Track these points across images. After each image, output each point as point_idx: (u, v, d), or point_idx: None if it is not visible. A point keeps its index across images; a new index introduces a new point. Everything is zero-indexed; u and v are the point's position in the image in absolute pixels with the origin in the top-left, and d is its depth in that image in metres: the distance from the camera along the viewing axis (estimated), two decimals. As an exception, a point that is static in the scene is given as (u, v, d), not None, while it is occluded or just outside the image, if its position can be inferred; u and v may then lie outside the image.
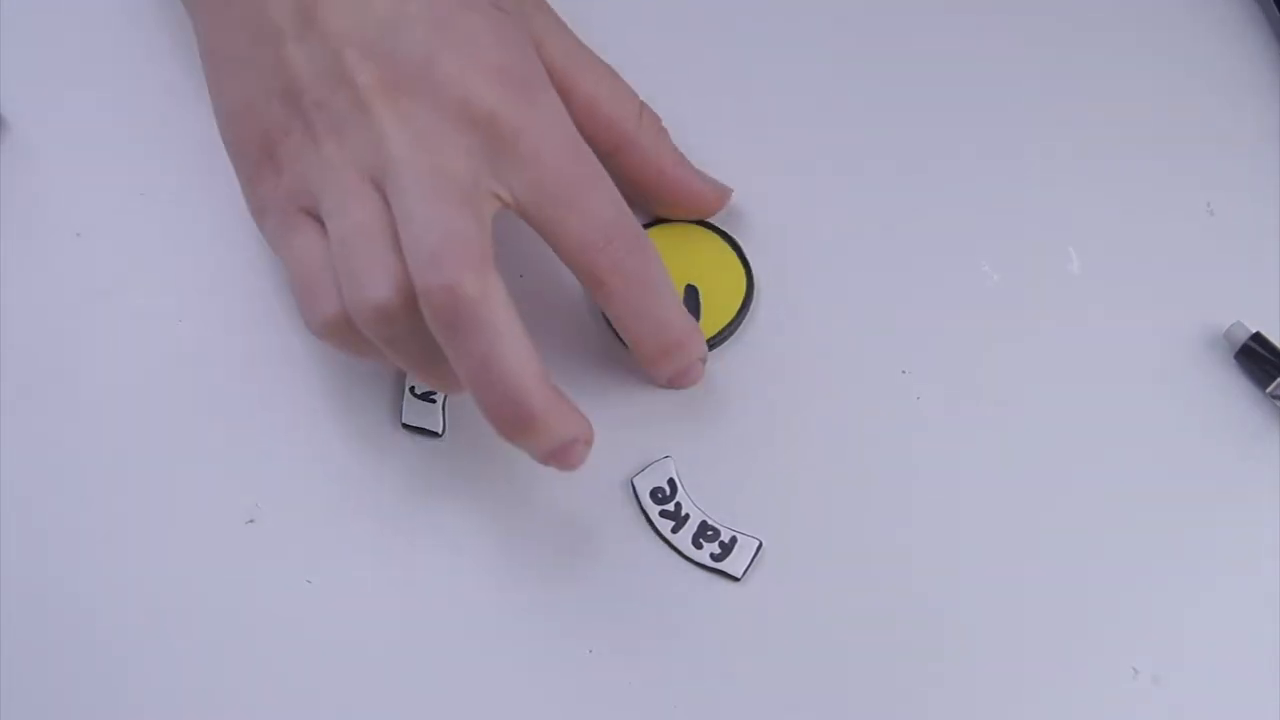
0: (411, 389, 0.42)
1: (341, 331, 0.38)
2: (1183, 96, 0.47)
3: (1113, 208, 0.45)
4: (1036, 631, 0.40)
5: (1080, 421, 0.42)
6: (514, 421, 0.37)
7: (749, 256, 0.44)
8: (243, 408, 0.42)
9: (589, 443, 0.39)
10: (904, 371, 0.43)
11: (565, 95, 0.40)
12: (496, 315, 0.36)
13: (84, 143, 0.46)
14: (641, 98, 0.42)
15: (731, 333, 0.43)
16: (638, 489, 0.41)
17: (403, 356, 0.38)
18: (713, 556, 0.40)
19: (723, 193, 0.44)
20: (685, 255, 0.44)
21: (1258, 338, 0.42)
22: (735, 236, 0.44)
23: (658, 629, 0.40)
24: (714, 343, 0.43)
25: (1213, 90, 0.47)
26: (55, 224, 0.45)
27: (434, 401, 0.42)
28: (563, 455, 0.38)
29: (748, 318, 0.43)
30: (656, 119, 0.43)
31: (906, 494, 0.41)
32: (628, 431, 0.42)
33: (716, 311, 0.43)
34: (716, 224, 0.44)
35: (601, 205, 0.39)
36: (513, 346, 0.36)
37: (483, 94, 0.37)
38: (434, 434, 0.42)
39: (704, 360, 0.42)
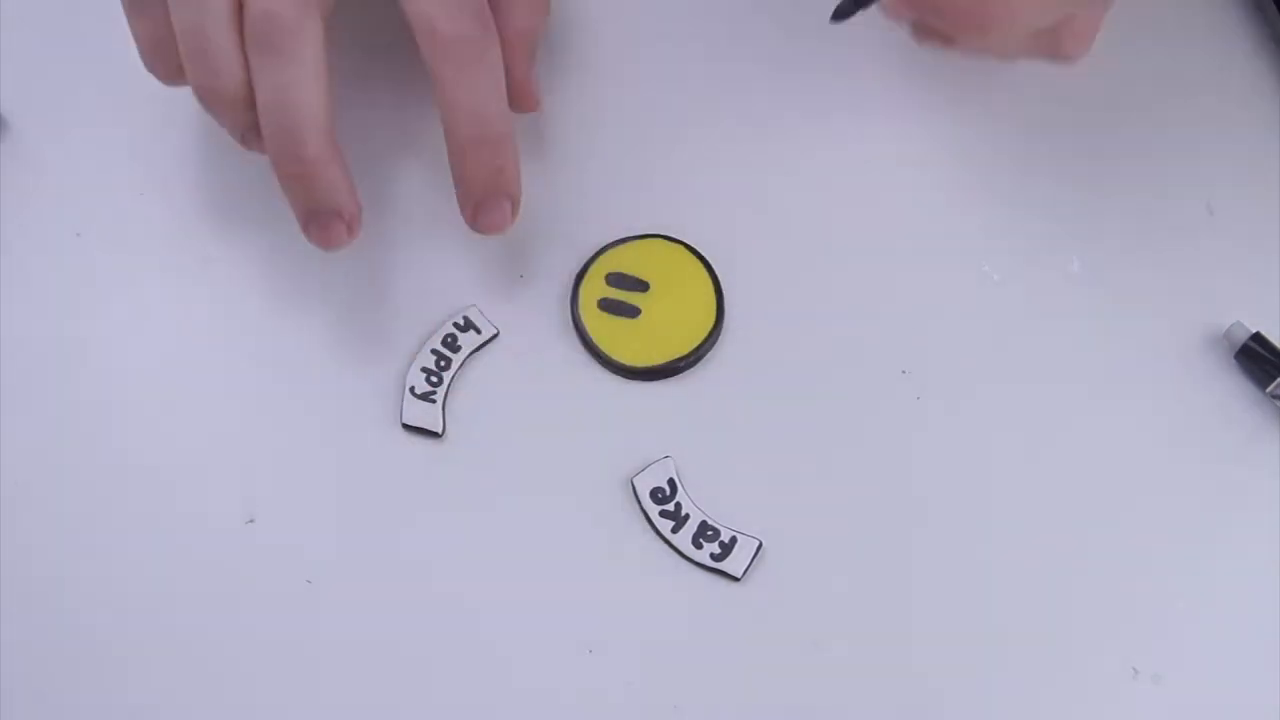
0: (411, 389, 0.42)
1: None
2: (1183, 97, 0.47)
3: (1113, 208, 0.45)
4: (1037, 631, 0.40)
5: (1080, 422, 0.42)
6: (287, 157, 0.38)
7: (746, 257, 0.44)
8: (242, 407, 0.42)
9: (352, 227, 0.40)
10: (904, 371, 0.43)
11: None
12: (305, 50, 0.38)
13: (84, 143, 0.46)
14: (624, 108, 0.42)
15: (707, 350, 0.43)
16: (638, 489, 0.41)
17: (258, 72, 0.39)
18: (713, 556, 0.40)
19: (529, 97, 0.43)
20: (652, 268, 0.44)
21: (1258, 338, 0.42)
22: (718, 241, 0.44)
23: (658, 629, 0.40)
24: (691, 359, 0.43)
25: (1213, 91, 0.47)
26: (55, 224, 0.45)
27: (434, 402, 0.42)
28: (324, 224, 0.39)
29: (743, 319, 0.43)
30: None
31: (906, 494, 0.41)
32: (628, 431, 0.42)
33: (686, 331, 0.43)
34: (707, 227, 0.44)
35: None
36: (310, 85, 0.38)
37: None
38: (434, 434, 0.42)
39: (515, 200, 0.41)
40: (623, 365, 0.43)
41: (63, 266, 0.44)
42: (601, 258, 0.44)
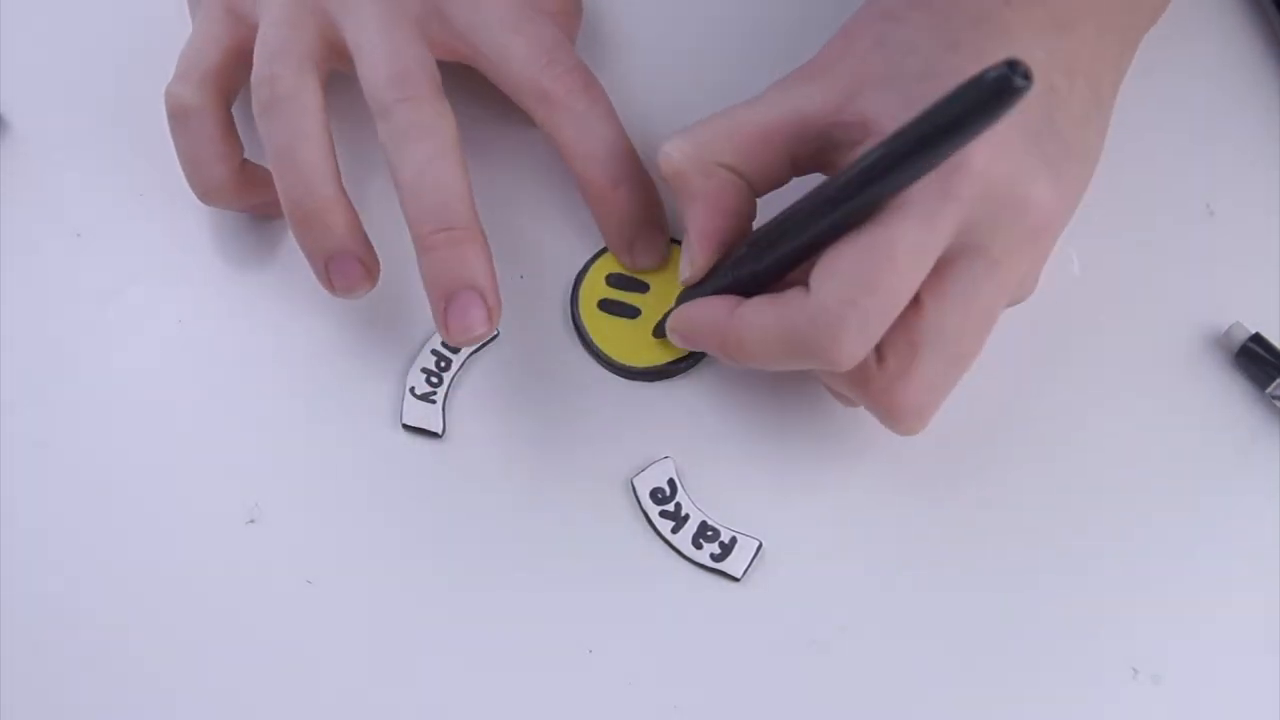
0: (411, 389, 0.42)
1: (218, 86, 0.41)
2: (1183, 97, 0.47)
3: (1113, 208, 0.45)
4: (1036, 631, 0.40)
5: (1080, 422, 0.42)
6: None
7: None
8: (243, 408, 0.42)
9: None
10: (904, 371, 0.43)
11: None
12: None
13: (84, 143, 0.46)
14: (624, 108, 0.43)
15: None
16: (638, 489, 0.41)
17: (264, 131, 0.40)
18: (713, 556, 0.40)
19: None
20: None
21: (1257, 338, 0.42)
22: None
23: (658, 629, 0.40)
24: (691, 360, 0.43)
25: (1213, 90, 0.47)
26: (55, 224, 0.45)
27: (434, 402, 0.42)
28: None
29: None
30: (588, 86, 0.42)
31: (906, 494, 0.41)
32: (628, 431, 0.42)
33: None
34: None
35: (543, 30, 0.41)
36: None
37: None
38: (434, 434, 0.42)
39: (662, 231, 0.43)
40: (623, 366, 0.43)
41: (63, 266, 0.44)
42: (601, 259, 0.44)
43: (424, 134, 0.39)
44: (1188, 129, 0.47)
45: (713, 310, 0.39)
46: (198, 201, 0.43)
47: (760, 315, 0.37)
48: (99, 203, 0.45)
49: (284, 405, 0.42)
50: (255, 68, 0.40)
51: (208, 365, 0.43)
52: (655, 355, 0.43)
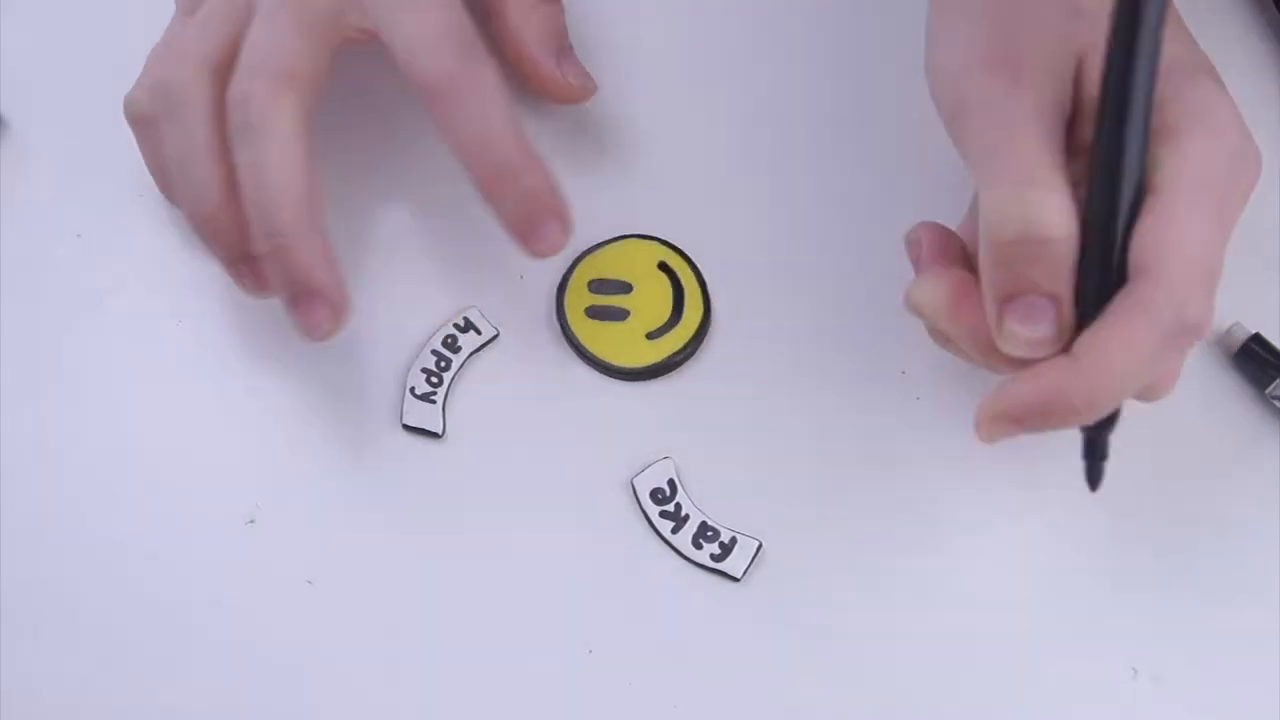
0: (411, 390, 0.42)
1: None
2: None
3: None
4: (1037, 631, 0.40)
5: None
6: (262, 236, 0.38)
7: (747, 255, 0.44)
8: (243, 408, 0.42)
9: (336, 309, 0.39)
10: (903, 372, 0.43)
11: None
12: (276, 127, 0.38)
13: (84, 143, 0.46)
14: (620, 107, 0.42)
15: (698, 344, 0.43)
16: (638, 489, 0.41)
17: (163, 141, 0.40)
18: (713, 557, 0.40)
19: (585, 84, 0.44)
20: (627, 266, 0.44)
21: (1257, 338, 0.42)
22: (704, 239, 0.44)
23: (658, 629, 0.40)
24: (685, 354, 0.43)
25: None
26: (55, 224, 0.44)
27: (434, 402, 0.42)
28: (305, 306, 0.39)
29: (734, 315, 0.43)
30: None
31: (906, 493, 0.41)
32: (628, 432, 0.42)
33: (677, 328, 0.43)
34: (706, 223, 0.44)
35: (437, 11, 0.39)
36: (281, 160, 0.38)
37: None
38: (434, 434, 0.42)
39: (562, 217, 0.40)
40: (619, 368, 0.43)
41: (63, 266, 0.44)
42: (580, 266, 0.44)
43: (252, 131, 0.38)
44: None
45: (1040, 378, 0.35)
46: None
47: (1117, 341, 0.34)
48: (99, 203, 0.45)
49: (284, 405, 0.42)
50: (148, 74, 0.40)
51: (207, 365, 0.43)
52: (649, 355, 0.43)
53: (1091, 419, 0.35)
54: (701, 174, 0.45)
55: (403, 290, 0.43)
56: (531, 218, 0.39)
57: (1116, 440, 0.42)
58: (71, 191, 0.45)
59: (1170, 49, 0.33)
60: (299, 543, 0.41)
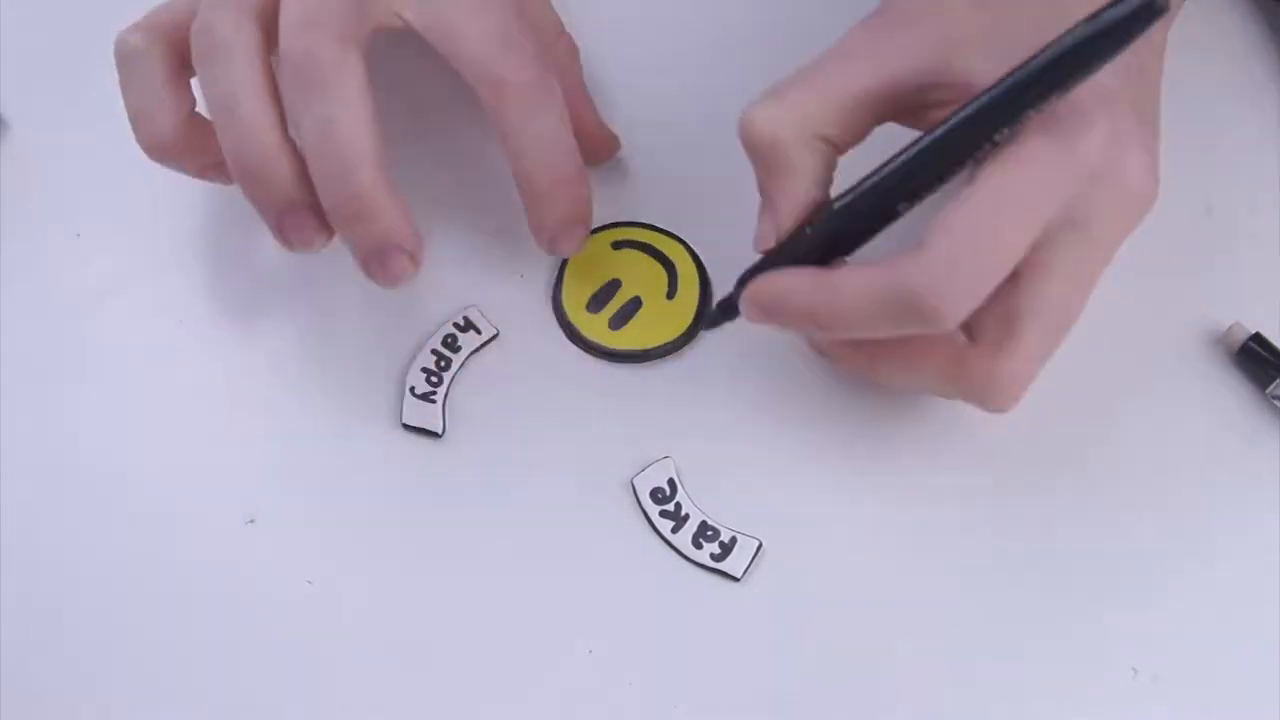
0: (411, 389, 0.42)
1: (169, 36, 0.39)
2: (1183, 96, 0.47)
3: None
4: (1037, 631, 0.40)
5: (1080, 421, 0.42)
6: (340, 195, 0.37)
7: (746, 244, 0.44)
8: (243, 407, 0.42)
9: (415, 259, 0.39)
10: (904, 371, 0.43)
11: None
12: (348, 84, 0.37)
13: (84, 143, 0.46)
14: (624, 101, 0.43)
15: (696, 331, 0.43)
16: (638, 489, 0.41)
17: (203, 85, 0.39)
18: (713, 556, 0.40)
19: (610, 141, 0.45)
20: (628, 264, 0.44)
21: (1258, 338, 0.42)
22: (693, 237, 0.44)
23: (658, 629, 0.40)
24: (679, 343, 0.43)
25: (1212, 90, 0.47)
26: (55, 224, 0.45)
27: (434, 402, 0.42)
28: (384, 259, 0.38)
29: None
30: (573, 46, 0.44)
31: (905, 493, 0.41)
32: (628, 431, 0.42)
33: (671, 319, 0.43)
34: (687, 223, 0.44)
35: (503, 21, 0.39)
36: (357, 119, 0.37)
37: None
38: (434, 434, 0.42)
39: (587, 224, 0.42)
40: (621, 351, 0.43)
41: (63, 266, 0.44)
42: (568, 271, 0.44)
43: (322, 88, 0.37)
44: (1188, 129, 0.46)
45: (800, 278, 0.37)
46: (197, 201, 0.43)
47: (861, 277, 0.35)
48: (99, 203, 0.45)
49: (284, 405, 0.42)
50: (195, 20, 0.38)
51: (207, 365, 0.43)
52: (658, 335, 0.43)
53: (830, 334, 0.39)
54: (696, 163, 0.45)
55: (402, 289, 0.43)
56: (569, 223, 0.41)
57: (1115, 440, 0.42)
58: (71, 191, 0.45)
59: (1103, 80, 0.34)
60: (299, 543, 0.41)
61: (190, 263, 0.44)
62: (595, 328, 0.43)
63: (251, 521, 0.41)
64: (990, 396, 0.38)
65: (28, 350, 0.43)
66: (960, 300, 0.34)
